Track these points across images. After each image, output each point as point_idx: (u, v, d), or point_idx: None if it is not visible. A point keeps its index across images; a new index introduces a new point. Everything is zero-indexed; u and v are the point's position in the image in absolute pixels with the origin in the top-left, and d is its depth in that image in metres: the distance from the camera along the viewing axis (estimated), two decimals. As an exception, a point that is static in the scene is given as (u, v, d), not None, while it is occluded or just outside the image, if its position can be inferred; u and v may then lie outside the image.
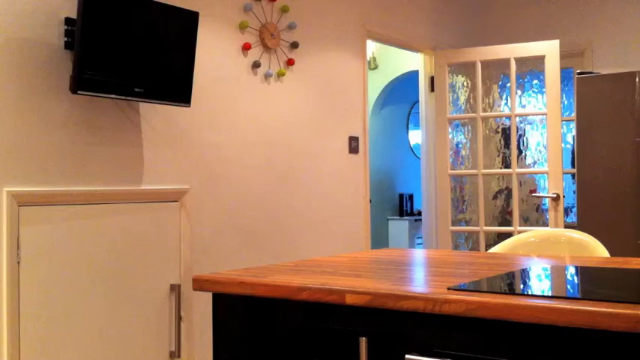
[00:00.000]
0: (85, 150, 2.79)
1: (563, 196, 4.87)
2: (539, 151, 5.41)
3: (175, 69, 2.93)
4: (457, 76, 5.33)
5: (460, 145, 5.37)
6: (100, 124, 2.86)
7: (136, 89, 2.77)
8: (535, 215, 5.52)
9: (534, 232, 2.54)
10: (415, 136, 8.24)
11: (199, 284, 1.75)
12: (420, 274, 1.72)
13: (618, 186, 4.27)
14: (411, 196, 8.07)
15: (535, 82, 5.38)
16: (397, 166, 8.13)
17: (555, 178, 4.82)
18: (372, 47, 6.76)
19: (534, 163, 5.47)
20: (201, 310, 3.25)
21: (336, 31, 4.24)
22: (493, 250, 2.50)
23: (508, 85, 5.31)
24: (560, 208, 4.81)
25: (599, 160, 4.32)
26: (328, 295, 1.51)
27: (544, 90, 4.93)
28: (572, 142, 5.47)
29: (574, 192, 4.95)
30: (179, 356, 3.06)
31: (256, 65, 3.65)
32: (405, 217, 7.85)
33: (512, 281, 1.53)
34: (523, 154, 5.48)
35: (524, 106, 5.45)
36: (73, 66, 2.61)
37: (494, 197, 5.63)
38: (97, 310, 2.76)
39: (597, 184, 4.34)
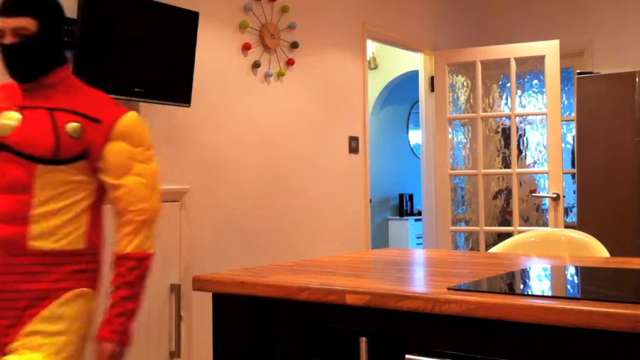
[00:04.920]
0: (85, 150, 2.79)
1: (563, 196, 4.87)
2: (539, 151, 5.41)
3: (175, 69, 2.93)
4: (457, 76, 5.33)
5: (460, 145, 5.37)
6: (100, 124, 2.85)
7: (136, 89, 2.77)
8: (535, 215, 5.52)
9: (534, 232, 2.54)
10: (415, 136, 8.24)
11: (199, 284, 1.74)
12: (420, 274, 1.72)
13: (618, 186, 4.27)
14: (411, 196, 8.07)
15: (535, 82, 5.38)
16: (397, 166, 8.13)
17: (555, 178, 4.82)
18: (372, 47, 6.75)
19: (534, 163, 5.47)
20: (201, 310, 3.25)
21: (336, 31, 4.24)
22: (493, 250, 2.50)
23: (508, 85, 5.31)
24: (560, 208, 4.81)
25: (599, 160, 4.32)
26: (328, 295, 1.51)
27: (544, 90, 4.93)
28: (572, 142, 5.47)
29: (574, 192, 4.95)
30: (179, 356, 3.05)
31: (256, 65, 3.65)
32: (405, 217, 7.84)
33: (512, 281, 1.53)
34: (523, 154, 5.48)
35: (524, 106, 5.45)
36: (73, 66, 2.61)
37: (494, 197, 5.63)
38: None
39: (597, 184, 4.33)
